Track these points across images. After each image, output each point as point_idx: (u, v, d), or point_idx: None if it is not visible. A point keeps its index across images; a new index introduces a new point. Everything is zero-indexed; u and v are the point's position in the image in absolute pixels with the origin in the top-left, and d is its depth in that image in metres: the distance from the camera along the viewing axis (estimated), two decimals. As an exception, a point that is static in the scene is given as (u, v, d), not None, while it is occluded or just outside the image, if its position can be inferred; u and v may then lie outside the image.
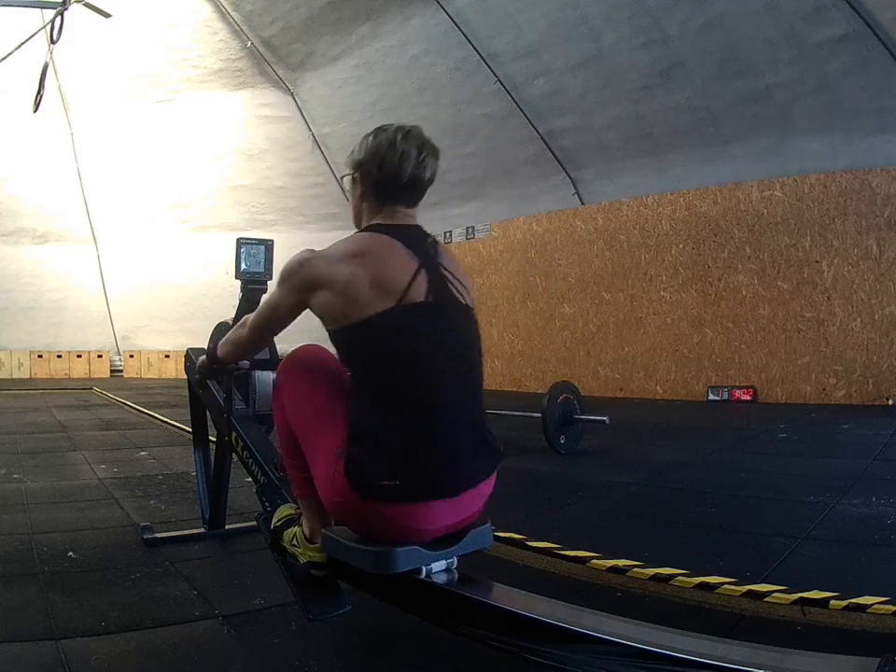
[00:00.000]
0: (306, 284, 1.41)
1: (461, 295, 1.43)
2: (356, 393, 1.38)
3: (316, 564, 1.52)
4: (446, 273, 1.43)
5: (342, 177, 1.58)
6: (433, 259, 1.42)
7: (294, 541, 1.57)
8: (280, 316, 1.52)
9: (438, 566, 1.35)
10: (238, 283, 2.27)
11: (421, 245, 1.43)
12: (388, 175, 1.43)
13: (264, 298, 1.69)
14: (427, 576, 1.33)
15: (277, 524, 1.64)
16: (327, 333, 1.45)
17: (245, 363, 2.01)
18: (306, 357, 1.54)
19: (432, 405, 1.34)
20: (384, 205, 1.47)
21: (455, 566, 1.38)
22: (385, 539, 1.33)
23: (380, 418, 1.32)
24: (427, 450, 1.32)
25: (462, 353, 1.41)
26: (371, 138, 1.47)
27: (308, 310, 1.46)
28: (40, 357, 15.05)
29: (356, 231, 1.53)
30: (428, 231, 1.50)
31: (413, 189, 1.46)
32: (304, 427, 1.46)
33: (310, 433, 1.44)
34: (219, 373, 2.00)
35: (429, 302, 1.36)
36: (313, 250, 1.46)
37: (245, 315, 1.70)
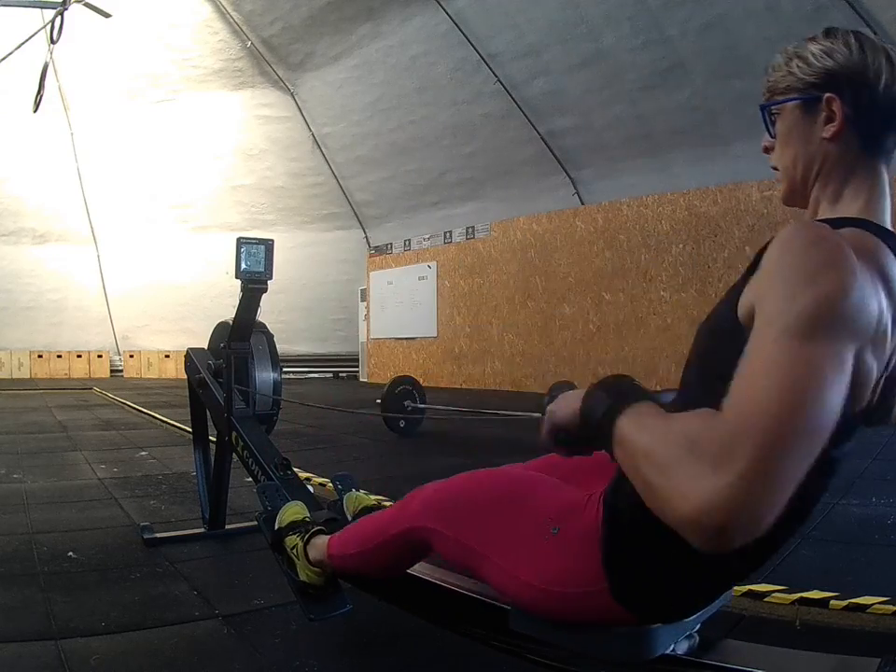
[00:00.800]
0: (863, 321, 0.70)
1: None
2: None
3: (312, 585, 1.51)
4: None
5: (770, 104, 0.98)
6: None
7: (294, 551, 1.54)
8: (831, 393, 0.65)
9: None
10: (238, 283, 2.28)
11: None
12: (890, 103, 0.88)
13: (776, 365, 0.66)
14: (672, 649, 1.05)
15: (282, 525, 1.62)
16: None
17: None
18: (470, 486, 1.16)
19: (777, 543, 0.94)
20: (868, 158, 0.89)
21: (696, 628, 1.10)
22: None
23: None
24: (739, 578, 1.00)
25: None
26: (849, 40, 0.90)
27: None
28: (40, 357, 15.05)
29: (817, 212, 0.92)
30: None
31: None
32: (491, 538, 1.09)
33: (501, 542, 1.07)
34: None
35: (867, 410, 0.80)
36: (832, 240, 0.72)
37: (702, 414, 0.69)
